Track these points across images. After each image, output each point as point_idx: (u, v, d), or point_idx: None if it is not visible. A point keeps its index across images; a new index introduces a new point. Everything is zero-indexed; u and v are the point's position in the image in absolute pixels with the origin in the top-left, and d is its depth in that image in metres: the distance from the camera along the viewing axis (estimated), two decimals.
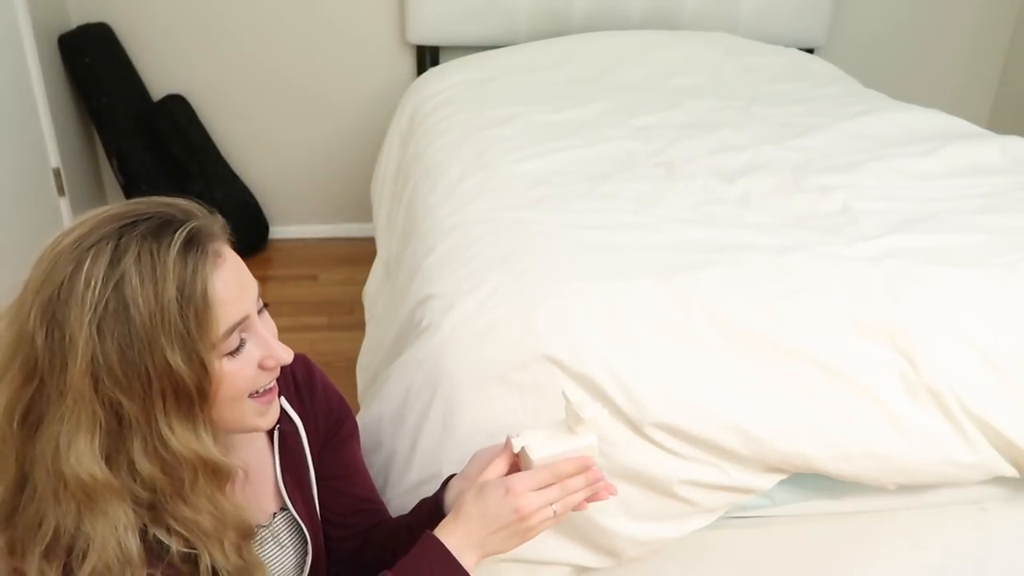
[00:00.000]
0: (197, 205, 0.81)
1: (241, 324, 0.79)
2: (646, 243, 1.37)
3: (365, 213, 2.87)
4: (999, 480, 1.29)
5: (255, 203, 3.15)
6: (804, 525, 1.31)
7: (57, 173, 2.66)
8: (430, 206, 1.66)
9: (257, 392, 0.84)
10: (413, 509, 1.06)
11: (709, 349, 1.18)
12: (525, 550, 1.18)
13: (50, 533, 0.75)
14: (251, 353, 0.81)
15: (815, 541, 1.33)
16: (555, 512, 0.88)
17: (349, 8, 2.93)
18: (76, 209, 2.75)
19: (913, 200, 1.58)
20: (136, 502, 0.77)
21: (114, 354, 0.72)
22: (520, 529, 0.87)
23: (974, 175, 1.72)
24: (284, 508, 0.98)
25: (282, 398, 0.98)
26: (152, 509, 0.79)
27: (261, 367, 0.83)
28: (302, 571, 1.00)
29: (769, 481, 1.21)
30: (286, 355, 0.84)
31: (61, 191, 2.69)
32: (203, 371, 0.76)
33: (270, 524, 0.97)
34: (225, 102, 3.03)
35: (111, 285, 0.72)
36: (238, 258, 0.82)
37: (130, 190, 2.94)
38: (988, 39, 3.33)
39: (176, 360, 0.74)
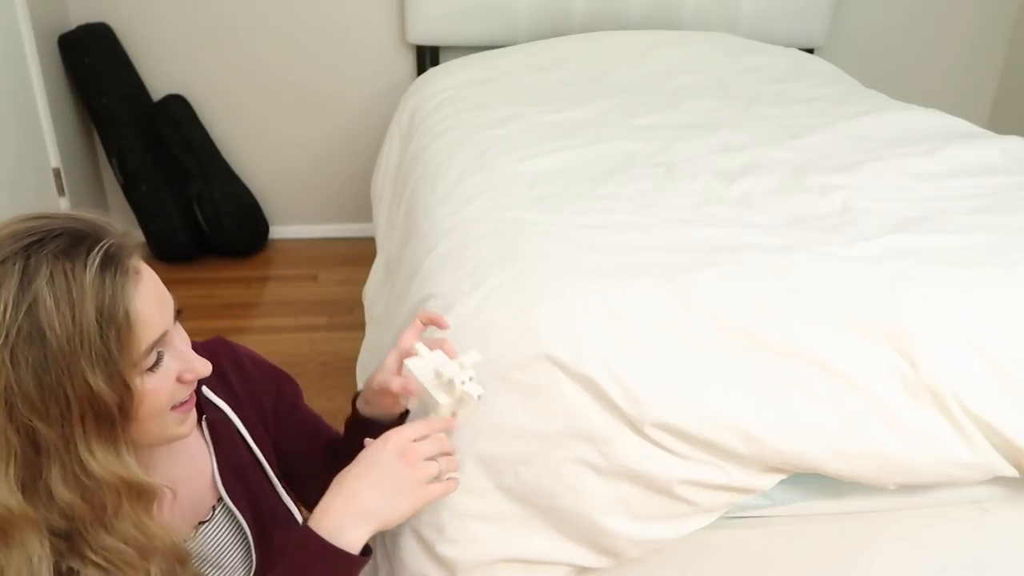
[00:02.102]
0: (105, 219, 0.78)
1: (161, 339, 0.78)
2: (646, 243, 1.36)
3: (365, 213, 2.87)
4: (999, 480, 1.29)
5: (255, 203, 3.15)
6: (804, 525, 1.31)
7: (57, 173, 2.66)
8: (430, 206, 1.66)
9: (176, 404, 0.82)
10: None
11: (709, 349, 1.18)
12: (524, 550, 1.18)
13: None
14: (169, 367, 0.80)
15: (815, 541, 1.33)
16: (440, 471, 0.88)
17: (349, 8, 2.93)
18: (76, 209, 2.74)
19: (913, 200, 1.58)
20: (53, 532, 0.74)
21: (30, 380, 0.69)
22: (407, 480, 0.86)
23: (974, 175, 1.72)
24: (223, 499, 0.96)
25: (204, 388, 0.97)
26: (68, 539, 0.76)
27: (179, 380, 0.81)
28: (251, 557, 0.98)
29: (769, 481, 1.21)
30: (204, 368, 0.82)
31: (61, 191, 2.70)
32: (126, 391, 0.74)
33: (211, 518, 0.95)
34: (225, 102, 3.04)
35: (23, 309, 0.68)
36: (153, 272, 0.80)
37: (130, 190, 2.94)
38: (988, 39, 3.33)
39: (98, 382, 0.71)
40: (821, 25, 3.01)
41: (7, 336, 0.68)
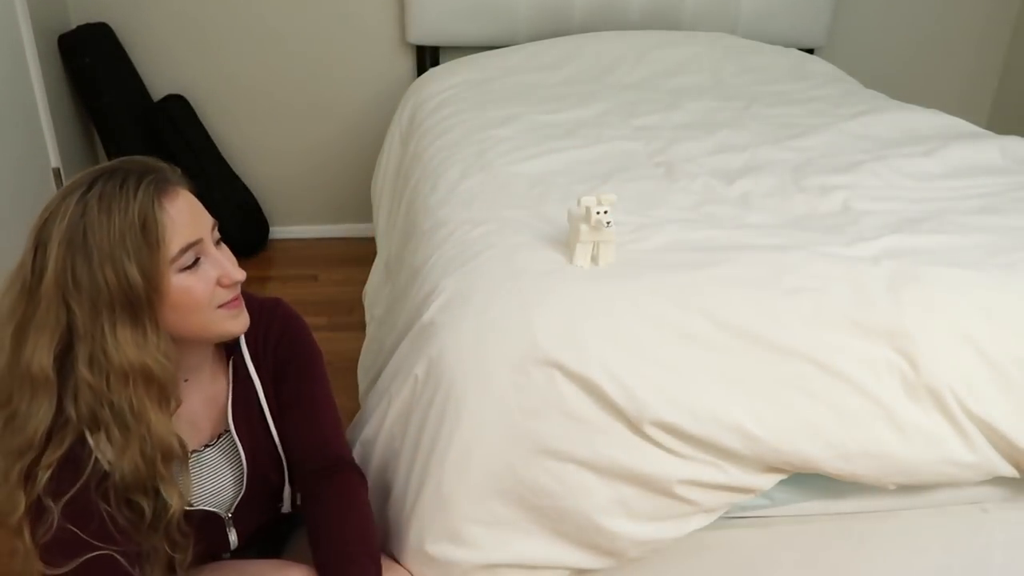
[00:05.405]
0: (175, 168, 0.98)
1: (195, 245, 0.95)
2: (646, 243, 1.37)
3: (365, 213, 2.87)
4: (999, 480, 1.29)
5: (255, 203, 3.15)
6: (804, 525, 1.31)
7: (57, 173, 2.66)
8: (430, 206, 1.66)
9: (221, 304, 0.99)
10: None
11: (709, 349, 1.18)
12: (522, 554, 1.18)
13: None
14: (207, 271, 0.97)
15: (815, 541, 1.33)
16: None
17: (349, 8, 2.93)
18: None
19: (913, 200, 1.59)
20: (72, 400, 0.92)
21: (81, 266, 0.89)
22: None
23: (974, 175, 1.72)
24: (228, 431, 1.09)
25: (242, 338, 1.10)
26: (90, 412, 0.92)
27: (219, 284, 0.98)
28: (242, 482, 1.10)
29: (769, 481, 1.21)
30: (237, 273, 0.99)
31: None
32: (155, 282, 0.91)
33: (216, 443, 1.09)
34: (225, 102, 3.03)
35: (80, 211, 0.90)
36: (194, 198, 0.98)
37: None
38: (988, 39, 3.33)
39: (132, 272, 0.89)
40: (821, 25, 3.01)
41: (65, 231, 0.89)
